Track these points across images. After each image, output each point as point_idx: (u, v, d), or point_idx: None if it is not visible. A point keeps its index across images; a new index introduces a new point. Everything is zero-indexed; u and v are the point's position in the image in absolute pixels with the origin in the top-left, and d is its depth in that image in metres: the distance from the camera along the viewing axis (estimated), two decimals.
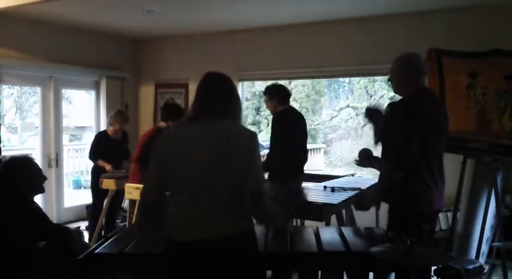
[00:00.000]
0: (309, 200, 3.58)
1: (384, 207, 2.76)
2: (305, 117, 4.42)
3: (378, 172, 2.89)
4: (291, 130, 4.03)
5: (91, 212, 5.13)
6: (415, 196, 2.49)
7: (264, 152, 5.52)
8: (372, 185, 3.98)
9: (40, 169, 2.86)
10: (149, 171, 2.04)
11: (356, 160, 3.65)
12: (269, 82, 5.29)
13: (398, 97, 2.88)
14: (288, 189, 3.87)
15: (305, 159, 4.25)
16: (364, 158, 3.47)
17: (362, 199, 2.76)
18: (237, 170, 1.88)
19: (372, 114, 3.35)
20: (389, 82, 2.77)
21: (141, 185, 4.05)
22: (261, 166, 2.00)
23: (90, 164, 5.19)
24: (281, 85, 4.31)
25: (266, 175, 4.26)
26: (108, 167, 4.96)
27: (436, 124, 2.56)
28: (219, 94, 1.98)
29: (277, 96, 4.12)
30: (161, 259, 2.07)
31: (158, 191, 2.01)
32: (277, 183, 3.97)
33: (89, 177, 5.33)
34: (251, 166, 1.91)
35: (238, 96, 2.07)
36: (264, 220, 2.07)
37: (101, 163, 4.98)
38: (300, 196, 3.76)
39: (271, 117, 4.40)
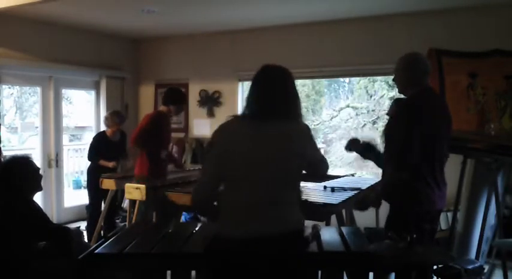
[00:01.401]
0: (309, 200, 3.57)
1: (384, 207, 2.76)
2: (305, 117, 4.38)
3: (376, 168, 2.88)
4: None
5: (89, 212, 5.13)
6: (417, 196, 2.49)
7: None
8: (372, 186, 3.99)
9: (38, 168, 2.86)
10: (206, 171, 2.03)
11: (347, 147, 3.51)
12: None
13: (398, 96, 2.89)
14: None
15: None
16: (353, 145, 3.31)
17: (363, 199, 2.74)
18: (296, 169, 1.92)
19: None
20: (394, 82, 2.78)
21: (141, 185, 4.07)
22: (319, 151, 2.10)
23: (89, 164, 5.18)
24: None
25: None
26: (111, 164, 4.96)
27: (439, 124, 2.57)
28: (279, 93, 1.94)
29: None
30: (211, 256, 2.01)
31: (213, 190, 1.98)
32: None
33: None
34: (312, 156, 2.00)
35: (296, 92, 2.02)
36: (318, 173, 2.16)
37: (102, 163, 4.98)
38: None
39: None
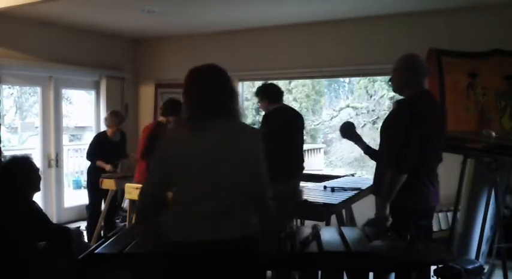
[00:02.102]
0: (309, 200, 3.58)
1: None
2: (305, 117, 4.30)
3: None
4: (281, 129, 3.84)
5: (89, 212, 5.13)
6: (412, 194, 2.52)
7: None
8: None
9: (38, 169, 2.87)
10: (151, 174, 2.00)
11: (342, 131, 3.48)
12: (269, 83, 5.28)
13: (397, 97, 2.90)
14: (287, 188, 3.83)
15: (299, 160, 4.05)
16: (347, 132, 3.29)
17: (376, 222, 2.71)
18: (240, 171, 1.85)
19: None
20: (390, 82, 2.79)
21: (141, 185, 4.07)
22: (265, 166, 1.92)
23: (89, 164, 5.18)
24: (270, 84, 4.14)
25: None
26: (107, 167, 4.96)
27: (436, 125, 2.60)
28: (213, 92, 1.89)
29: (266, 96, 3.95)
30: (161, 259, 2.05)
31: (159, 193, 1.97)
32: (275, 182, 3.91)
33: None
34: (254, 165, 1.87)
35: (233, 90, 1.96)
36: (263, 224, 1.93)
37: (99, 163, 4.97)
38: (296, 196, 3.74)
39: None
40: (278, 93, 4.00)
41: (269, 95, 3.94)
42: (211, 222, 1.84)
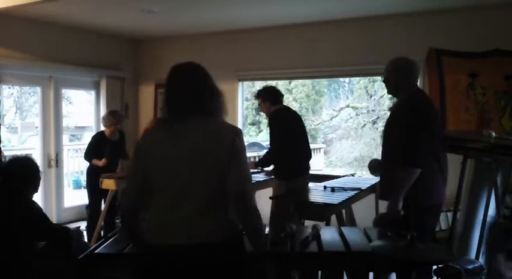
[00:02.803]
0: (309, 200, 3.58)
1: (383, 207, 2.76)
2: (305, 117, 4.44)
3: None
4: (287, 128, 4.07)
5: (89, 212, 5.13)
6: (431, 190, 2.59)
7: (263, 152, 5.52)
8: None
9: (39, 169, 2.87)
10: (128, 177, 1.96)
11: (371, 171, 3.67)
12: (269, 83, 5.30)
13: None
14: (294, 186, 3.91)
15: (308, 155, 4.28)
16: (376, 167, 3.49)
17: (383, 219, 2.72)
18: (219, 171, 1.78)
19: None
20: (385, 83, 2.83)
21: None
22: (246, 165, 1.85)
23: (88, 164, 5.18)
24: (272, 87, 4.33)
25: (273, 174, 4.29)
26: (101, 162, 4.91)
27: (437, 123, 2.70)
28: (189, 91, 1.85)
29: (269, 98, 4.17)
30: (135, 261, 1.97)
31: (139, 195, 1.88)
32: (284, 180, 4.02)
33: None
34: (233, 164, 1.79)
35: (213, 88, 1.90)
36: (247, 224, 1.86)
37: (95, 162, 4.95)
38: (301, 195, 3.77)
39: None
40: (280, 95, 4.23)
41: (272, 97, 4.14)
42: (188, 225, 1.78)
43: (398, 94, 2.78)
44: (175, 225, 1.79)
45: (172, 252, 1.77)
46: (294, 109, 4.62)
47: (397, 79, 2.71)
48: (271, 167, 4.49)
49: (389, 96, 11.46)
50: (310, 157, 4.32)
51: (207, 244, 1.76)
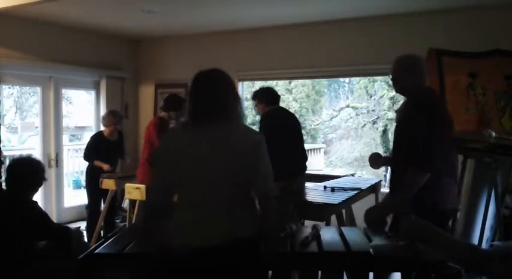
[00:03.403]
0: (309, 200, 3.58)
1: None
2: (305, 117, 4.42)
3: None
4: (279, 129, 3.95)
5: (89, 212, 5.13)
6: (447, 194, 2.52)
7: None
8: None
9: (43, 169, 2.87)
10: (154, 175, 1.99)
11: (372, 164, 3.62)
12: (269, 83, 5.30)
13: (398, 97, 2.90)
14: (290, 188, 3.87)
15: (301, 156, 4.18)
16: (376, 161, 3.43)
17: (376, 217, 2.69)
18: (245, 173, 1.86)
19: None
20: (392, 83, 2.75)
21: (141, 185, 4.08)
22: (270, 167, 1.94)
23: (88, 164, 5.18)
24: (267, 88, 4.29)
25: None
26: (105, 167, 4.94)
27: (448, 122, 2.61)
28: (215, 97, 1.90)
29: (263, 99, 4.13)
30: (159, 264, 1.98)
31: (164, 195, 1.93)
32: (280, 181, 3.99)
33: None
34: (261, 166, 1.89)
35: (235, 93, 1.98)
36: (267, 223, 1.95)
37: (97, 163, 4.96)
38: (299, 195, 3.76)
39: None
40: (274, 96, 4.18)
41: (267, 98, 4.13)
42: (214, 225, 1.83)
43: (406, 93, 2.70)
44: (201, 226, 1.83)
45: (198, 252, 1.80)
46: (293, 109, 4.61)
47: (404, 78, 2.63)
48: None
49: (390, 96, 11.49)
50: (304, 157, 4.22)
51: (233, 243, 1.81)
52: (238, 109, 1.96)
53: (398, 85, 2.70)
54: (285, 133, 4.00)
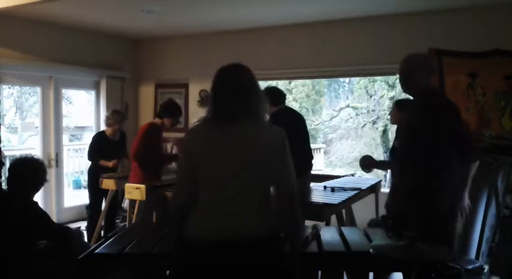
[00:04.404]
0: (309, 200, 3.58)
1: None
2: (305, 117, 4.42)
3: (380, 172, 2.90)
4: (288, 128, 4.00)
5: (89, 212, 5.13)
6: (454, 193, 2.54)
7: None
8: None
9: (44, 170, 2.87)
10: (180, 173, 1.97)
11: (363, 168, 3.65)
12: (269, 83, 5.31)
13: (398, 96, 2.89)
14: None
15: (308, 155, 4.25)
16: (369, 164, 3.48)
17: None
18: (270, 171, 1.87)
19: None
20: (400, 82, 2.71)
21: (141, 185, 4.07)
22: (292, 165, 1.95)
23: (89, 164, 5.18)
24: (273, 87, 4.33)
25: None
26: (111, 163, 4.94)
27: (457, 121, 2.59)
28: (240, 93, 1.89)
29: (270, 99, 4.09)
30: (179, 260, 1.94)
31: (190, 194, 1.91)
32: None
33: None
34: (285, 164, 1.90)
35: (259, 90, 1.96)
36: (292, 222, 1.95)
37: (102, 162, 4.96)
38: (301, 196, 3.76)
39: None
40: (281, 95, 4.21)
41: (272, 98, 4.11)
42: (239, 221, 1.84)
43: (412, 92, 2.67)
44: (226, 221, 1.84)
45: (224, 248, 1.80)
46: (294, 109, 4.61)
47: (411, 77, 2.60)
48: None
49: (390, 96, 11.48)
50: (311, 157, 4.29)
51: (256, 239, 1.82)
52: (261, 107, 1.94)
53: (404, 85, 2.68)
54: (294, 132, 4.03)
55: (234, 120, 1.87)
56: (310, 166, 4.24)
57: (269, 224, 1.88)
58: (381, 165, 3.26)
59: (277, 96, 4.17)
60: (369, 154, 3.89)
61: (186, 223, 1.89)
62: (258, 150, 1.86)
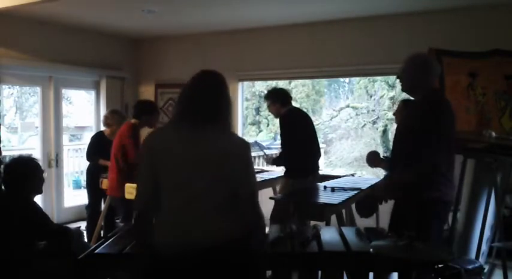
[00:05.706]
0: (309, 200, 3.58)
1: (384, 207, 2.76)
2: None
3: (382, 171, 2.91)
4: (298, 128, 4.14)
5: (89, 212, 5.12)
6: (449, 185, 2.53)
7: (265, 151, 5.53)
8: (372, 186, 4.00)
9: (42, 171, 2.87)
10: (141, 177, 1.94)
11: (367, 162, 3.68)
12: (269, 83, 5.32)
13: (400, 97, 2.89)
14: (302, 186, 3.95)
15: (317, 155, 4.39)
16: (373, 160, 3.50)
17: (366, 202, 2.70)
18: (231, 177, 1.85)
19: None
20: (400, 82, 2.71)
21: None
22: (254, 173, 1.99)
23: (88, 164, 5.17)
24: (281, 89, 4.46)
25: (282, 172, 4.35)
26: (110, 163, 4.93)
27: (453, 124, 2.61)
28: (208, 96, 1.91)
29: (279, 99, 4.23)
30: (149, 265, 1.95)
31: (153, 199, 1.89)
32: (291, 179, 4.06)
33: None
34: (247, 172, 1.90)
35: (228, 97, 1.97)
36: (251, 225, 1.94)
37: (102, 162, 4.95)
38: (302, 196, 3.77)
39: (271, 116, 4.46)
40: (288, 96, 4.33)
41: (282, 99, 4.24)
42: (202, 227, 1.82)
43: (412, 92, 2.67)
44: (188, 225, 1.83)
45: (184, 252, 1.80)
46: (301, 109, 4.72)
47: (412, 77, 2.59)
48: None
49: (390, 96, 11.49)
50: (319, 156, 4.43)
51: (219, 243, 1.81)
52: (229, 116, 1.95)
53: (404, 85, 2.67)
54: (304, 133, 4.19)
55: (199, 125, 1.87)
56: (318, 165, 4.39)
57: (234, 228, 1.86)
58: (385, 164, 3.27)
59: (285, 97, 4.27)
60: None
61: (151, 228, 1.89)
62: (220, 155, 1.85)
